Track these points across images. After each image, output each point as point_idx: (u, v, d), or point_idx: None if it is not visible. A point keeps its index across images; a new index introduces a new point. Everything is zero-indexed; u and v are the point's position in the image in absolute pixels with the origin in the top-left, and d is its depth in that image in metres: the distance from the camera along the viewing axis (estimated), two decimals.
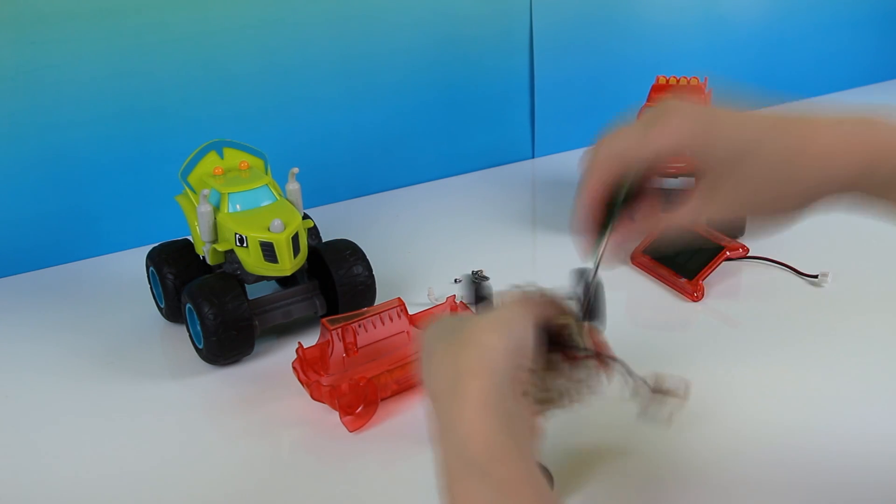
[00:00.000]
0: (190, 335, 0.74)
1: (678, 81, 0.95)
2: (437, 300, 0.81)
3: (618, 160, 0.46)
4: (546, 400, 0.48)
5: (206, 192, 0.73)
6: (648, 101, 0.95)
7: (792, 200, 0.44)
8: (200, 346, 0.72)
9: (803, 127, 0.43)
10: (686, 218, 0.47)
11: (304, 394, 0.66)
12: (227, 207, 0.73)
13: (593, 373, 0.49)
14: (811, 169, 0.42)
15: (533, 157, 1.22)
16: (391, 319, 0.68)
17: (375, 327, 0.67)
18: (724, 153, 0.44)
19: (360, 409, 0.64)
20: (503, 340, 0.42)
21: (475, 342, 0.42)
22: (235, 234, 0.71)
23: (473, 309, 0.53)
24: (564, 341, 0.49)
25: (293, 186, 0.77)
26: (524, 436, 0.41)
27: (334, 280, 0.75)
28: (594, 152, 0.47)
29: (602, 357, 0.49)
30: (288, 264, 0.71)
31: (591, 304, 0.49)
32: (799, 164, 0.42)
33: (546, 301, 0.48)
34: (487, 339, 0.42)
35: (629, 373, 0.49)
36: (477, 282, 0.56)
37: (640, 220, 0.49)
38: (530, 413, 0.45)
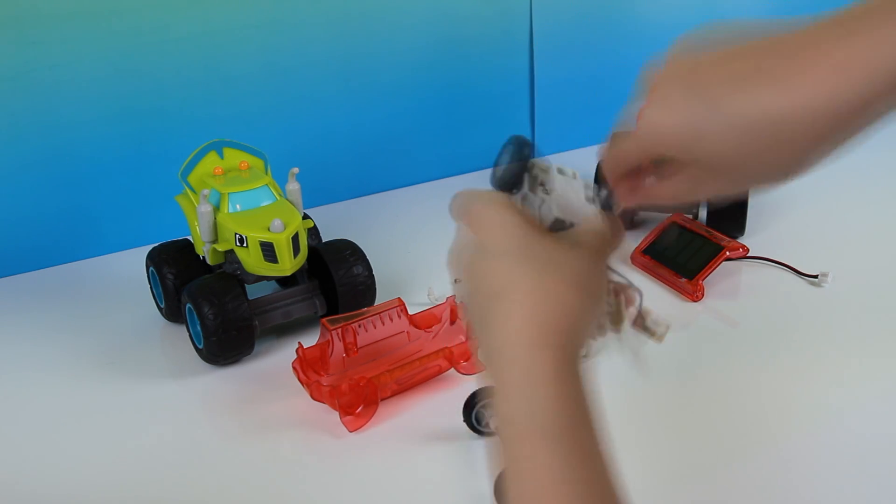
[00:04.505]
0: (190, 335, 0.74)
1: None
2: (437, 300, 0.81)
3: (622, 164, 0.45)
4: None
5: (206, 192, 0.73)
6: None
7: (792, 161, 0.36)
8: (200, 346, 0.72)
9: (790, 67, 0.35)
10: (673, 195, 0.42)
11: (304, 394, 0.66)
12: (227, 207, 0.73)
13: (621, 300, 0.48)
14: (805, 124, 0.34)
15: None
16: (391, 319, 0.68)
17: (375, 327, 0.67)
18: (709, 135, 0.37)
19: (360, 409, 0.65)
20: (586, 304, 0.40)
21: (561, 299, 0.39)
22: (235, 234, 0.71)
23: (500, 176, 0.48)
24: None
25: (293, 186, 0.77)
26: (591, 402, 0.39)
27: (334, 280, 0.75)
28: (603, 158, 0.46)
29: (630, 284, 0.48)
30: (288, 264, 0.71)
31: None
32: (791, 121, 0.34)
33: (613, 236, 0.45)
34: (573, 300, 0.39)
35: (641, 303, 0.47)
36: (521, 146, 0.48)
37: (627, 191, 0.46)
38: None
